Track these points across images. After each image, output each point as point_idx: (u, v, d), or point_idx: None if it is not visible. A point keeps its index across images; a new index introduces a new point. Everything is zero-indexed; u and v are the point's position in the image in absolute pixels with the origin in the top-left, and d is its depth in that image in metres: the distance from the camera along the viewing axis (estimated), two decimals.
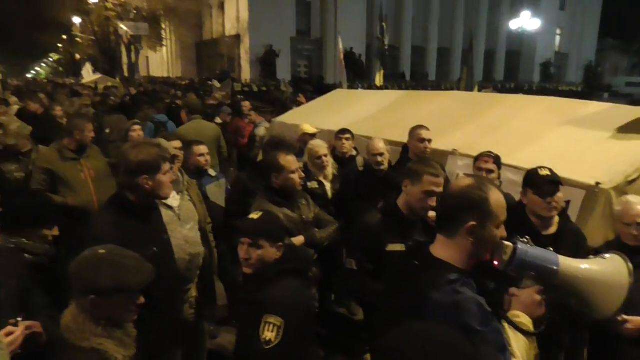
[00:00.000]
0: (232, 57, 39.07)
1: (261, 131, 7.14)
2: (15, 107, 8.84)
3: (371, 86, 27.84)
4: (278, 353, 1.90)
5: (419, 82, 36.40)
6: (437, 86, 35.34)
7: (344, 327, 4.36)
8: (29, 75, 63.33)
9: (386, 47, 13.75)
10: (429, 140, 3.94)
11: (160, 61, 47.51)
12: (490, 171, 3.29)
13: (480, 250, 1.58)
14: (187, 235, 2.81)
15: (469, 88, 11.06)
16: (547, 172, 2.70)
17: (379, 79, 13.72)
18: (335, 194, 4.13)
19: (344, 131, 4.64)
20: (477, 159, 3.44)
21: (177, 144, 3.43)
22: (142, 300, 1.71)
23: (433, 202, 2.44)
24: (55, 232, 2.36)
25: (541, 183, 2.66)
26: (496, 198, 1.57)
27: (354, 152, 4.68)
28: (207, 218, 3.24)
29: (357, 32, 38.15)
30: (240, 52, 38.10)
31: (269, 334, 1.89)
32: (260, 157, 6.65)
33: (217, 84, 17.83)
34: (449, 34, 45.38)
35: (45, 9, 32.93)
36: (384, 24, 13.47)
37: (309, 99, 19.18)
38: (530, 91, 29.99)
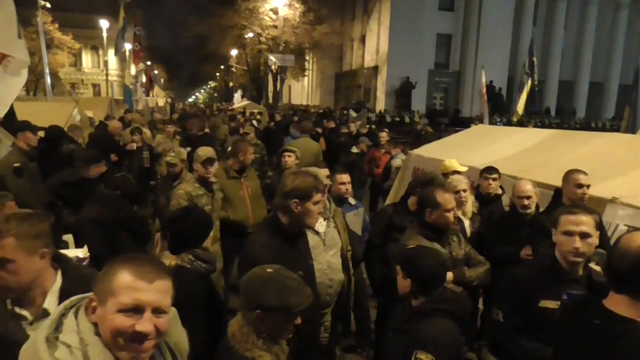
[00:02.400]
0: (368, 87, 40.09)
1: (397, 162, 7.17)
2: (172, 128, 9.96)
3: (510, 121, 26.45)
4: None
5: (564, 118, 33.64)
6: (586, 124, 32.26)
7: None
8: (190, 100, 71.76)
9: (536, 83, 12.90)
10: (588, 186, 3.61)
11: (301, 90, 50.50)
12: None
13: None
14: (330, 260, 2.92)
15: (631, 129, 9.84)
16: None
17: (518, 113, 12.93)
18: (474, 232, 3.98)
19: (492, 170, 4.43)
20: None
21: (326, 171, 3.61)
22: (299, 321, 1.82)
23: (576, 243, 2.23)
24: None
25: None
26: None
27: (500, 191, 4.46)
28: (348, 246, 3.34)
29: (498, 64, 36.68)
30: (377, 83, 38.92)
31: None
32: (392, 185, 6.81)
33: (353, 113, 18.38)
34: (604, 68, 41.40)
35: (211, 44, 37.55)
36: (534, 59, 12.68)
37: (443, 132, 18.77)
38: None
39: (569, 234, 2.28)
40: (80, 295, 1.31)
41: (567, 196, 3.65)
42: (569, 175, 3.67)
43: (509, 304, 2.44)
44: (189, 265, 2.35)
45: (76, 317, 1.24)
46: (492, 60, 33.88)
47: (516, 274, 2.52)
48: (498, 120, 26.65)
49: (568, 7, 40.34)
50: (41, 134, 5.78)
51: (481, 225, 4.07)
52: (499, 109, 31.77)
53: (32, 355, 1.16)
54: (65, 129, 7.14)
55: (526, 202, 3.81)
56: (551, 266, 2.40)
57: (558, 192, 3.84)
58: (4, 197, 4.07)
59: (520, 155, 5.75)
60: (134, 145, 7.22)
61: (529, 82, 12.40)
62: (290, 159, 5.29)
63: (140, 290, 1.21)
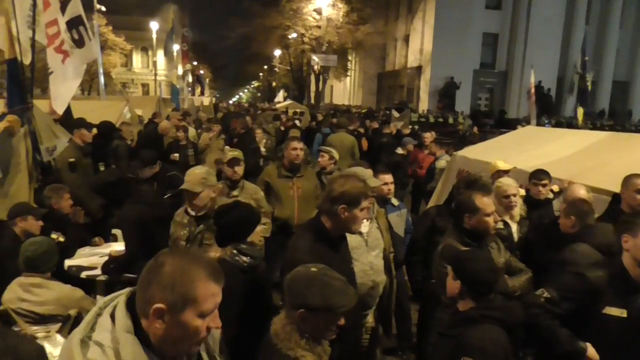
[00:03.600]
0: (411, 87, 39.59)
1: (442, 163, 7.04)
2: (217, 127, 10.19)
3: (559, 122, 25.47)
4: None
5: (618, 120, 32.06)
6: None
7: None
8: (233, 99, 73.21)
9: (588, 83, 12.38)
10: None
11: (343, 90, 50.47)
12: None
13: None
14: (372, 262, 2.89)
15: None
16: None
17: (580, 117, 12.35)
18: (522, 237, 3.84)
19: (543, 175, 4.21)
20: None
21: (370, 172, 3.57)
22: (342, 321, 1.79)
23: None
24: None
25: None
26: None
27: (550, 195, 4.29)
28: (391, 247, 3.30)
29: (547, 64, 35.38)
30: (420, 83, 38.39)
31: None
32: (436, 188, 6.69)
33: (395, 113, 18.18)
34: None
35: (255, 44, 38.16)
36: (587, 58, 12.15)
37: (487, 134, 18.27)
38: None
39: None
40: (115, 294, 1.30)
41: (626, 202, 3.47)
42: (628, 180, 3.49)
43: (567, 299, 2.35)
44: (229, 259, 2.42)
45: (112, 316, 1.22)
46: (541, 60, 32.73)
47: (586, 276, 2.42)
48: (546, 122, 25.70)
49: (624, 4, 38.44)
50: (94, 131, 6.04)
51: (530, 231, 3.92)
52: (548, 111, 30.68)
53: (67, 357, 1.16)
54: (118, 125, 7.42)
55: None
56: (619, 275, 2.30)
57: (616, 197, 3.65)
58: (62, 189, 4.29)
59: (572, 158, 5.50)
60: (176, 156, 7.38)
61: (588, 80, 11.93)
62: (323, 159, 5.27)
63: (218, 294, 1.25)
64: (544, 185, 4.18)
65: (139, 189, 4.21)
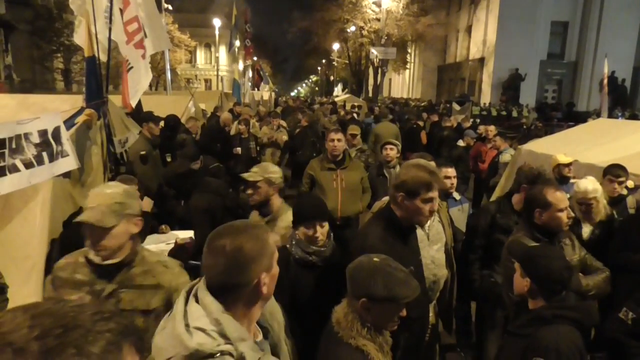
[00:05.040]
0: (473, 80, 38.39)
1: (506, 157, 6.79)
2: (277, 121, 10.42)
3: (634, 115, 23.69)
4: None
5: None
6: None
7: None
8: (292, 94, 74.12)
9: None
10: None
11: (402, 83, 49.74)
12: None
13: None
14: (434, 255, 2.84)
15: None
16: None
17: None
18: (592, 237, 3.64)
19: (619, 171, 3.95)
20: None
21: (434, 164, 3.50)
22: (404, 313, 1.79)
23: None
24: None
25: None
26: None
27: (624, 191, 4.03)
28: (452, 241, 3.23)
29: (622, 53, 33.06)
30: (483, 76, 37.12)
31: None
32: (500, 183, 6.46)
33: (456, 106, 17.68)
34: None
35: (314, 38, 38.43)
36: None
37: (554, 127, 17.35)
38: None
39: None
40: (193, 282, 1.39)
41: None
42: None
43: None
44: (287, 246, 2.50)
45: (197, 302, 1.29)
46: (615, 49, 30.66)
47: None
48: (619, 114, 24.02)
49: None
50: (162, 124, 6.34)
51: (603, 229, 3.70)
52: (621, 103, 28.72)
53: (179, 345, 1.21)
54: (182, 119, 7.73)
55: None
56: None
57: None
58: (131, 181, 4.53)
59: None
60: (239, 150, 7.82)
61: None
62: (392, 152, 5.24)
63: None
64: (621, 183, 3.93)
65: (207, 180, 4.37)
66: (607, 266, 3.08)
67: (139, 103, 6.43)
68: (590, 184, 3.59)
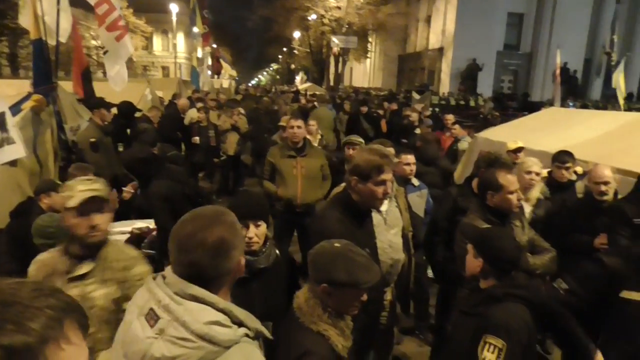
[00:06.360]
0: (432, 70, 39.00)
1: (463, 145, 6.96)
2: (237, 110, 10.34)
3: (585, 105, 24.79)
4: None
5: None
6: None
7: None
8: (252, 82, 73.21)
9: (612, 63, 11.97)
10: None
11: (363, 72, 49.97)
12: None
13: None
14: (391, 240, 2.88)
15: None
16: None
17: (621, 100, 11.77)
18: (536, 218, 3.78)
19: (566, 157, 4.13)
20: None
21: (392, 150, 3.55)
22: (365, 297, 1.81)
23: None
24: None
25: None
26: None
27: (574, 177, 4.21)
28: (410, 226, 3.29)
29: (574, 45, 34.35)
30: (442, 65, 37.76)
31: (489, 355, 1.83)
32: (457, 170, 6.63)
33: (416, 95, 17.93)
34: None
35: (275, 26, 37.96)
36: (614, 37, 11.75)
37: (510, 117, 17.91)
38: None
39: None
40: (159, 280, 1.33)
41: None
42: None
43: (586, 290, 2.32)
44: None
45: (188, 299, 1.25)
46: (568, 41, 31.83)
47: (605, 261, 2.38)
48: (571, 104, 25.03)
49: None
50: (114, 111, 6.11)
51: (553, 213, 3.86)
52: (573, 93, 29.90)
53: (203, 344, 1.18)
54: (139, 107, 7.49)
55: (603, 188, 3.58)
56: None
57: None
58: (86, 169, 4.37)
59: (599, 140, 5.37)
60: (197, 139, 7.77)
61: (622, 61, 11.39)
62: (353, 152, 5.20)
63: None
64: (567, 169, 4.10)
65: (168, 167, 4.27)
66: (553, 247, 3.23)
67: (92, 89, 6.19)
68: (534, 159, 3.81)
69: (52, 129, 4.77)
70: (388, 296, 3.05)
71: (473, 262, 2.15)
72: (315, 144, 5.49)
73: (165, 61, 54.50)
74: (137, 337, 1.22)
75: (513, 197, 2.80)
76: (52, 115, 4.79)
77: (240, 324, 1.27)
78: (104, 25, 5.41)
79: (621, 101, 12.14)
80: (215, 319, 1.22)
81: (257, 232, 2.13)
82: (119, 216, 4.47)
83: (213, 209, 1.40)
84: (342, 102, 14.05)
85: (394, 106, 12.62)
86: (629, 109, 24.53)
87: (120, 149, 5.52)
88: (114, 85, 5.86)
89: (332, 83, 34.42)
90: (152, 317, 1.23)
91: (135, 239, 3.95)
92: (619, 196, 3.78)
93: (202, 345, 1.17)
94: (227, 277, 1.34)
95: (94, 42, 25.69)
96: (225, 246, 1.29)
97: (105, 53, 5.67)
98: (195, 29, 19.93)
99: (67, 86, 5.97)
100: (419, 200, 4.14)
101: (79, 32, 6.76)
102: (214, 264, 1.28)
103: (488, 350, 1.84)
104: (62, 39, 5.15)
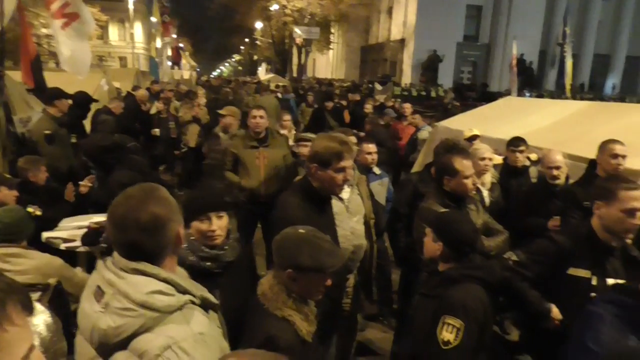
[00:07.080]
0: (394, 61, 39.35)
1: (424, 134, 7.08)
2: (203, 99, 10.19)
3: (541, 96, 25.68)
4: (455, 356, 1.89)
5: (597, 93, 32.42)
6: (620, 100, 31.09)
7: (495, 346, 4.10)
8: (214, 73, 71.92)
9: (565, 54, 12.44)
10: (624, 157, 3.48)
11: (326, 63, 49.92)
12: None
13: None
14: (353, 227, 2.91)
15: None
16: None
17: (567, 89, 12.30)
18: (493, 202, 3.90)
19: (519, 142, 4.27)
20: None
21: (354, 139, 3.57)
22: (329, 282, 1.83)
23: (637, 220, 2.15)
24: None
25: None
26: None
27: (527, 162, 4.35)
28: (371, 214, 3.32)
29: (530, 37, 35.36)
30: (403, 57, 38.15)
31: (447, 335, 1.88)
32: (418, 159, 6.75)
33: (378, 86, 18.13)
34: None
35: (237, 16, 37.35)
36: (566, 29, 12.18)
37: (470, 107, 18.32)
38: None
39: (630, 212, 2.19)
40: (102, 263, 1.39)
41: (602, 167, 3.53)
42: (604, 145, 3.54)
43: (536, 263, 2.41)
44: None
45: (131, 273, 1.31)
46: (524, 33, 32.71)
47: (554, 239, 2.46)
48: (527, 94, 25.88)
49: None
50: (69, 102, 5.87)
51: (510, 197, 3.98)
52: (530, 84, 30.83)
53: (143, 311, 1.23)
54: (95, 97, 7.24)
55: (555, 172, 3.74)
56: (587, 236, 2.34)
57: (592, 163, 3.72)
58: (39, 161, 4.19)
59: (553, 127, 5.57)
60: (157, 131, 7.64)
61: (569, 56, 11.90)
62: (305, 150, 5.07)
63: None
64: (521, 152, 4.23)
65: (130, 157, 4.16)
66: (506, 229, 3.33)
67: (43, 80, 5.93)
68: (485, 145, 3.97)
69: None
70: (351, 282, 3.09)
71: (432, 246, 2.19)
72: (291, 141, 5.37)
73: (122, 51, 52.71)
74: (86, 313, 1.29)
75: (469, 182, 2.87)
76: (0, 106, 4.56)
77: (184, 292, 1.32)
78: (50, 12, 5.19)
79: (568, 87, 12.75)
80: (157, 288, 1.26)
81: (220, 224, 2.06)
82: (76, 210, 4.34)
83: (143, 187, 1.41)
84: (305, 94, 14.05)
85: (357, 97, 12.73)
86: (581, 98, 25.62)
87: (74, 140, 5.32)
88: (78, 73, 5.61)
89: (295, 74, 34.26)
90: (98, 294, 1.29)
91: (93, 234, 3.82)
92: (571, 181, 3.95)
93: (143, 312, 1.22)
94: (167, 249, 1.37)
95: (44, 30, 24.56)
96: (160, 222, 1.32)
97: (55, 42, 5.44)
98: (153, 19, 19.40)
99: (15, 76, 5.69)
100: (381, 189, 4.19)
101: (27, 19, 6.44)
102: (152, 240, 1.32)
103: (447, 331, 1.89)
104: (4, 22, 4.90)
